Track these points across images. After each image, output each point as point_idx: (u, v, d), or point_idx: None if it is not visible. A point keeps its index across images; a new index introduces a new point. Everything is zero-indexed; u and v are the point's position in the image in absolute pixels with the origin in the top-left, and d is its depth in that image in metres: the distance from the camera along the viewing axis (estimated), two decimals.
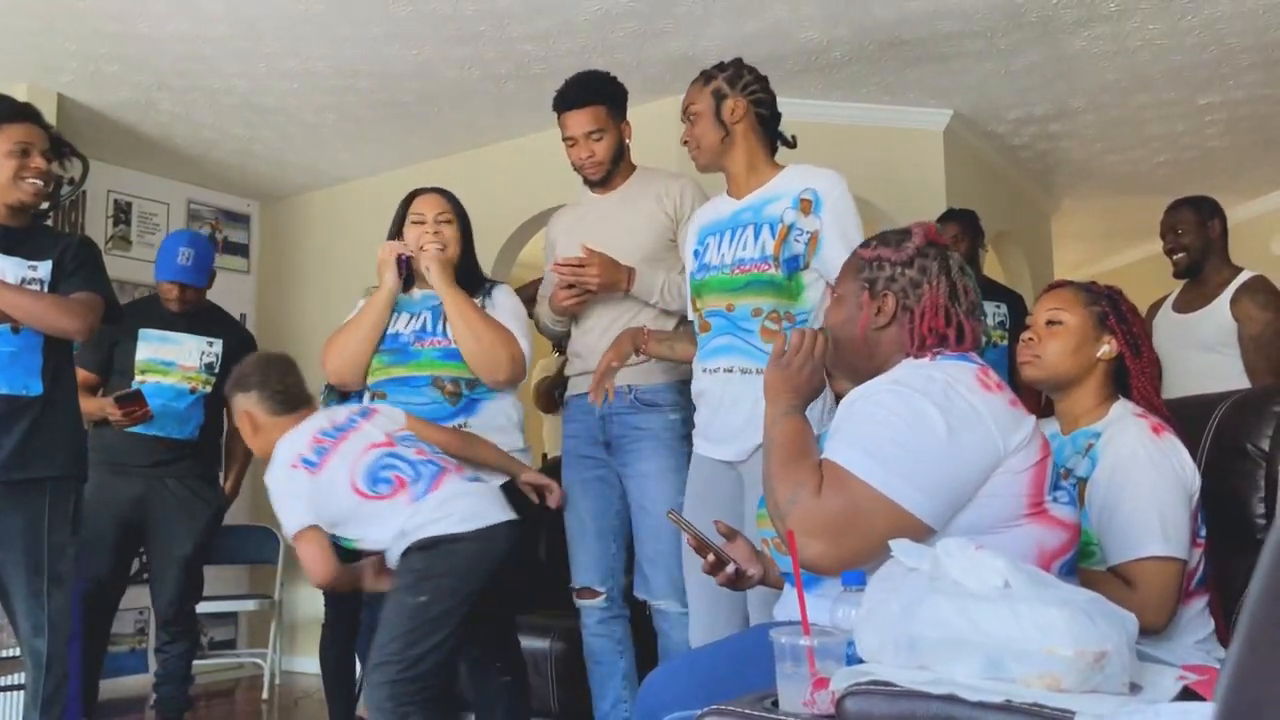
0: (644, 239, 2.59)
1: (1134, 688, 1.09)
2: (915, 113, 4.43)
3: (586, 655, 2.64)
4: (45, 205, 2.64)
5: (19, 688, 2.85)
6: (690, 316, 2.39)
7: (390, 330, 2.48)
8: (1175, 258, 3.38)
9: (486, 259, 4.54)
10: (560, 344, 3.45)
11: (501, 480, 2.44)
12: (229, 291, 5.23)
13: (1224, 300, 3.25)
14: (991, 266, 5.01)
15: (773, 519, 1.45)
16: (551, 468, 3.49)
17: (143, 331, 3.30)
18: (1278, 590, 0.39)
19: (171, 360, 3.33)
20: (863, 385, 1.49)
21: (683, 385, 2.49)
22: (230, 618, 5.19)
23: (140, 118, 4.42)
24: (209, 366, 3.36)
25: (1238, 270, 3.31)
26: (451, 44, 3.76)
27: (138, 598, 4.26)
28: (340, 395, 2.90)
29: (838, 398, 1.94)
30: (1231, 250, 3.41)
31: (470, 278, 2.55)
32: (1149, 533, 1.61)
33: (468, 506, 2.10)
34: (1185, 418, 1.84)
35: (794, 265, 2.17)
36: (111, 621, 3.34)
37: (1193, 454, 1.74)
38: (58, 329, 2.42)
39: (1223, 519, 1.76)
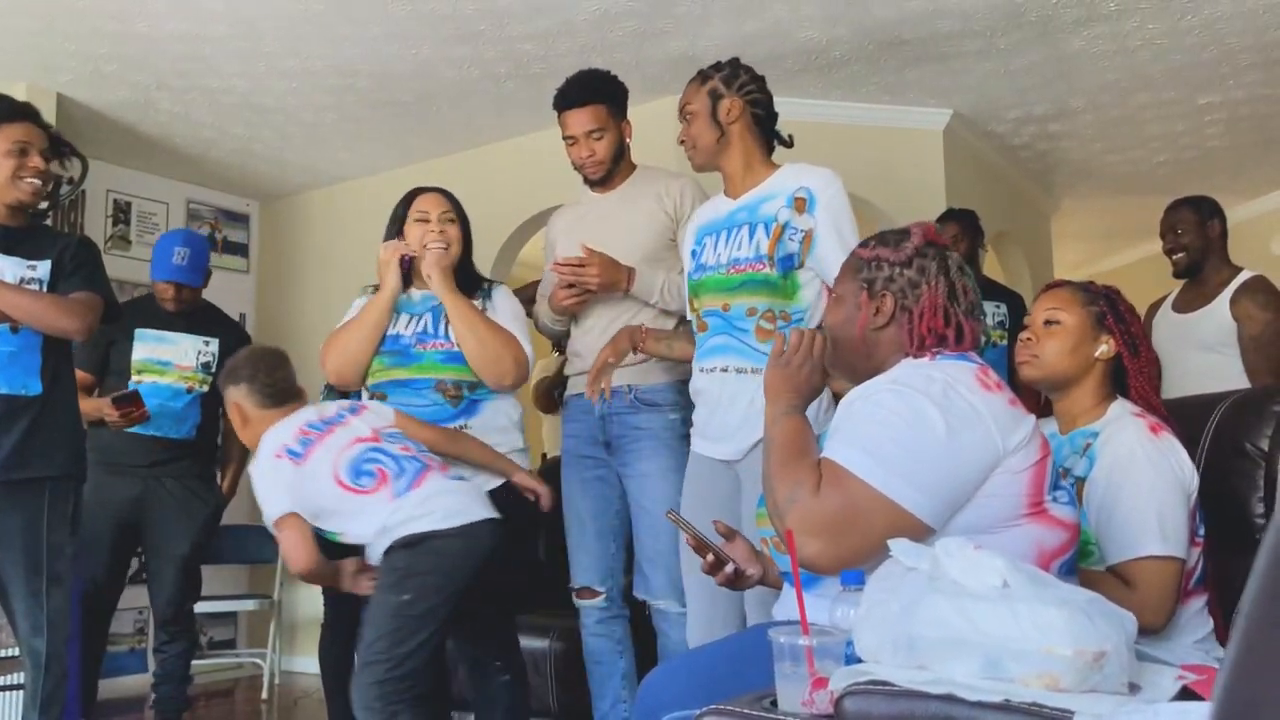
0: (644, 238, 2.58)
1: (1133, 687, 1.09)
2: (915, 112, 4.43)
3: (586, 655, 2.64)
4: (44, 205, 2.64)
5: (18, 687, 2.85)
6: (689, 316, 2.39)
7: (390, 331, 2.46)
8: (1175, 258, 3.38)
9: (486, 259, 4.55)
10: (560, 343, 3.45)
11: (496, 482, 2.44)
12: (228, 291, 5.24)
13: (1224, 300, 3.25)
14: (991, 266, 5.01)
15: (772, 518, 1.45)
16: (551, 467, 3.50)
17: (139, 331, 3.30)
18: (1274, 590, 0.39)
19: (168, 360, 3.32)
20: (862, 385, 1.49)
21: (682, 385, 2.49)
22: (230, 617, 5.19)
23: (140, 117, 4.42)
24: (205, 366, 3.36)
25: (1237, 270, 3.31)
26: (451, 43, 3.76)
27: (137, 598, 4.26)
28: (339, 395, 2.89)
29: (836, 398, 1.95)
30: (1231, 250, 3.40)
31: (469, 278, 2.55)
32: (1147, 532, 1.61)
33: (450, 504, 2.11)
34: (1185, 417, 1.84)
35: (789, 264, 2.17)
36: (110, 621, 3.34)
37: (1192, 454, 1.74)
38: (56, 329, 2.42)
39: (1222, 519, 1.76)
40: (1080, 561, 1.58)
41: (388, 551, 2.09)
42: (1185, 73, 4.10)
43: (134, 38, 3.70)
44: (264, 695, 4.62)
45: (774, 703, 1.18)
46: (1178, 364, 3.31)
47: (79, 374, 3.03)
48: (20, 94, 3.24)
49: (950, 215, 3.82)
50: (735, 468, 2.22)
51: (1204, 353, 3.24)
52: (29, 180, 2.47)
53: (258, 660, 4.85)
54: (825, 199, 2.18)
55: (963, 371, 1.42)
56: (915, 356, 1.49)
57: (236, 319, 5.19)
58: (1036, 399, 1.96)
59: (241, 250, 5.55)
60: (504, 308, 2.55)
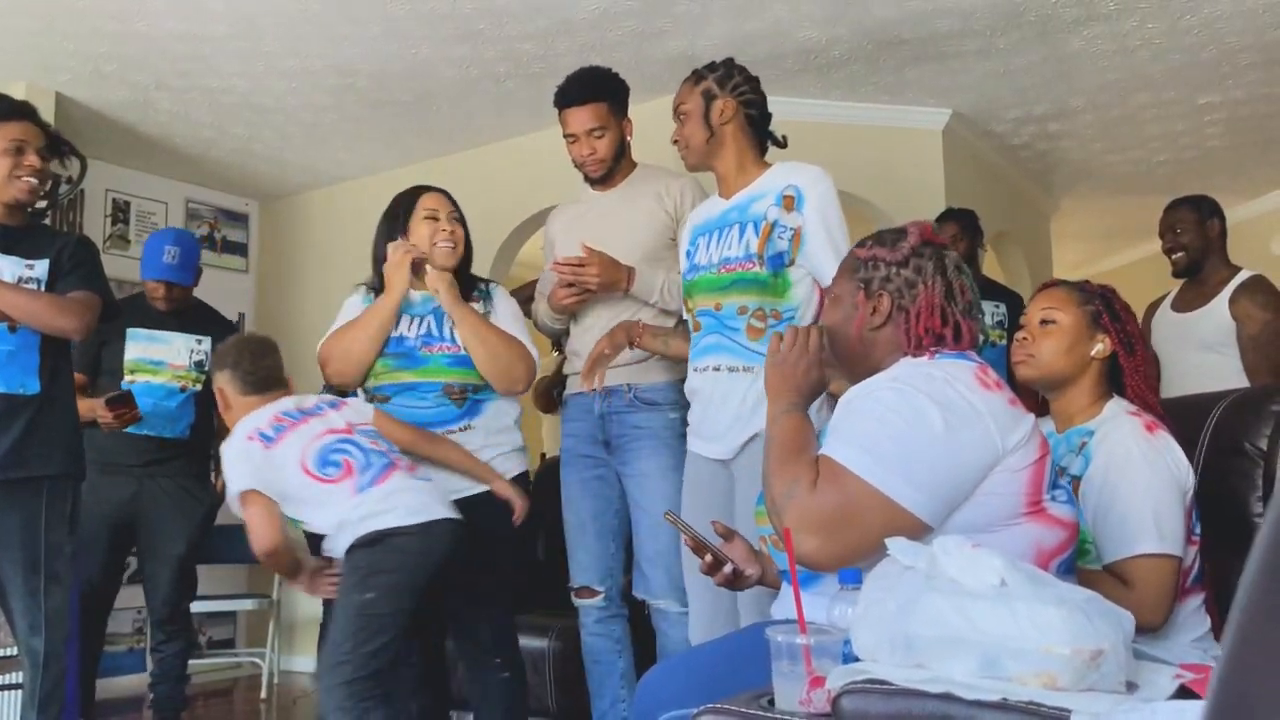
0: (644, 237, 2.58)
1: (1130, 686, 1.08)
2: (914, 112, 4.43)
3: (585, 654, 2.64)
4: (43, 204, 2.64)
5: (16, 687, 2.84)
6: (685, 316, 2.40)
7: (393, 333, 2.44)
8: (1174, 257, 3.38)
9: (485, 258, 4.55)
10: (559, 342, 3.45)
11: (477, 489, 2.43)
12: (228, 291, 5.24)
13: (1223, 300, 3.25)
14: (991, 266, 5.01)
15: (770, 515, 1.45)
16: (550, 467, 3.50)
17: (131, 331, 3.29)
18: (1269, 584, 0.39)
19: (161, 359, 3.32)
20: (861, 383, 1.49)
21: (682, 384, 2.48)
22: (229, 617, 5.19)
23: (139, 117, 4.41)
24: (199, 365, 3.35)
25: (1237, 270, 3.31)
26: (450, 43, 3.76)
27: (136, 597, 4.25)
28: (339, 395, 2.89)
29: (832, 399, 1.94)
30: (1231, 250, 3.40)
31: (467, 279, 2.54)
32: (1143, 530, 1.61)
33: (411, 501, 2.13)
34: (1183, 417, 1.84)
35: (779, 262, 2.17)
36: (107, 621, 3.34)
37: (1191, 453, 1.74)
38: (55, 328, 2.42)
39: (1220, 518, 1.76)
40: (1077, 560, 1.58)
41: (349, 551, 2.11)
42: (1185, 72, 4.10)
43: (133, 37, 3.70)
44: (263, 695, 4.62)
45: (771, 701, 1.18)
46: (1177, 363, 3.32)
47: None
48: (19, 93, 3.24)
49: (949, 215, 3.82)
50: (729, 466, 2.22)
51: (1203, 352, 3.24)
52: (25, 179, 2.47)
53: (257, 660, 4.85)
54: (814, 197, 2.18)
55: (962, 370, 1.42)
56: (914, 356, 1.49)
57: (236, 319, 5.21)
58: (1035, 398, 1.96)
59: (241, 250, 5.55)
60: (504, 310, 2.54)
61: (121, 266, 4.69)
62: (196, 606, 3.52)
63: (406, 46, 3.78)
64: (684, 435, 2.45)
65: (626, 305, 2.56)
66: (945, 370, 1.42)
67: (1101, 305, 1.79)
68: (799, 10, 3.54)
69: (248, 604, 5.00)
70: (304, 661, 4.90)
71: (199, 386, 3.34)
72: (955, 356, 1.47)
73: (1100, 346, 1.78)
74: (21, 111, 2.52)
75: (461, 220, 2.53)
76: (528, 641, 2.85)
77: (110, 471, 3.21)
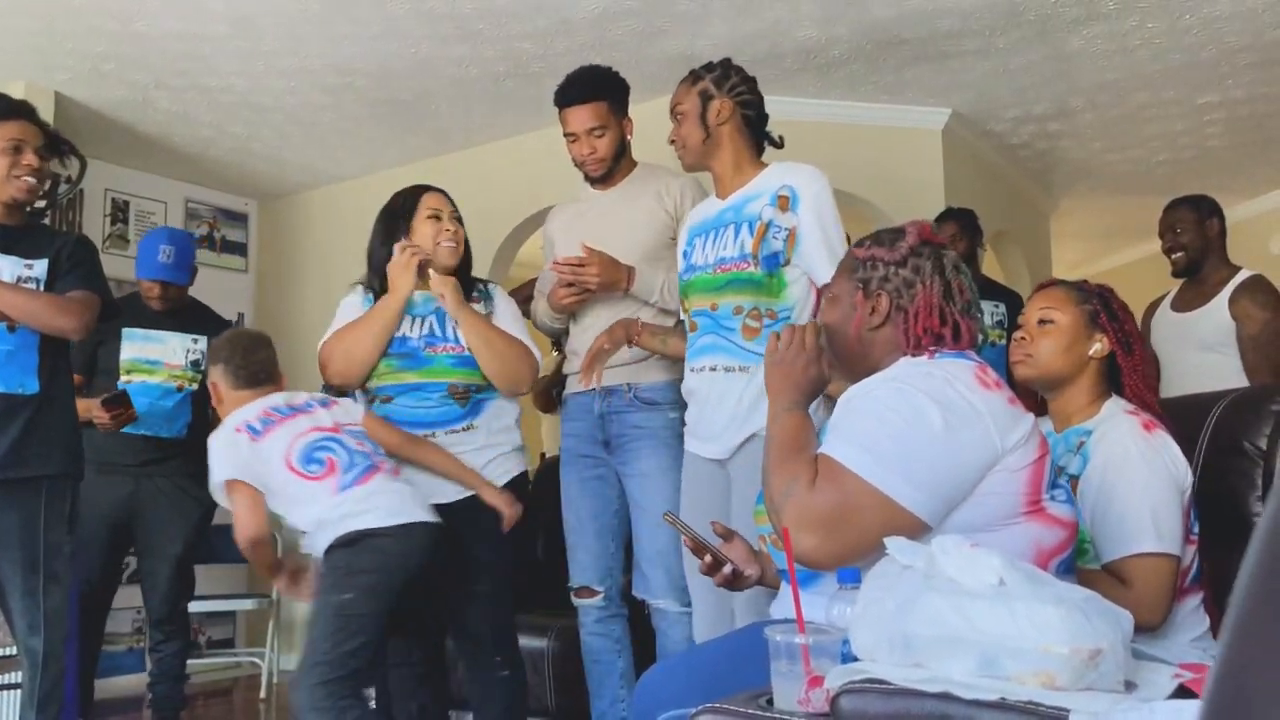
0: (644, 236, 2.58)
1: (1129, 685, 1.08)
2: (914, 112, 4.43)
3: (584, 654, 2.64)
4: (43, 204, 2.64)
5: (15, 686, 2.84)
6: (682, 317, 2.40)
7: (396, 334, 2.43)
8: (1174, 257, 3.37)
9: (484, 258, 4.55)
10: (558, 341, 3.45)
11: (502, 481, 2.44)
12: (227, 291, 5.24)
13: (1222, 299, 3.25)
14: (990, 266, 5.01)
15: (769, 513, 1.45)
16: (550, 467, 3.49)
17: (126, 331, 3.28)
18: (1266, 581, 0.39)
19: (157, 359, 3.32)
20: (860, 382, 1.49)
21: (682, 383, 2.49)
22: (228, 617, 5.18)
23: (138, 116, 4.41)
24: (195, 364, 3.35)
25: (1236, 269, 3.31)
26: (449, 42, 3.76)
27: (135, 597, 4.24)
28: (337, 395, 2.88)
29: (828, 399, 1.94)
30: (1230, 249, 3.40)
31: (467, 279, 2.54)
32: (1141, 529, 1.61)
33: (389, 503, 2.15)
34: (1183, 416, 1.83)
35: (774, 262, 2.17)
36: (105, 621, 3.34)
37: (1190, 453, 1.74)
38: (53, 328, 2.42)
39: (1220, 518, 1.76)
40: (1076, 560, 1.58)
41: (328, 551, 2.13)
42: (1184, 72, 4.10)
43: (132, 37, 3.69)
44: (262, 694, 4.62)
45: (770, 701, 1.18)
46: (1176, 363, 3.32)
47: None
48: (19, 93, 3.24)
49: (949, 214, 3.82)
50: (725, 466, 2.22)
51: (1203, 352, 3.24)
52: (24, 178, 2.46)
53: (256, 659, 4.85)
54: (808, 196, 2.19)
55: (961, 370, 1.42)
56: (913, 355, 1.49)
57: (235, 319, 5.21)
58: (1035, 398, 1.96)
59: (240, 250, 5.55)
60: (505, 311, 2.55)
61: (121, 266, 4.68)
62: (196, 606, 3.51)
63: (406, 46, 3.78)
64: (684, 435, 2.45)
65: (626, 305, 2.56)
66: (945, 370, 1.42)
67: (1099, 305, 1.79)
68: (798, 10, 3.54)
69: (247, 604, 5.00)
70: None
71: (195, 386, 3.33)
72: (954, 356, 1.47)
73: (1098, 346, 1.78)
74: (20, 111, 2.52)
75: (460, 220, 2.53)
76: (527, 641, 2.85)
77: (107, 471, 3.21)
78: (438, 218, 2.46)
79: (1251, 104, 4.46)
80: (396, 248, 2.41)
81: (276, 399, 2.29)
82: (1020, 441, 1.37)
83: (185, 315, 3.42)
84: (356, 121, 4.50)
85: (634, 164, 2.69)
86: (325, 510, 2.13)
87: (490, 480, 2.43)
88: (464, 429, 2.42)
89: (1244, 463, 1.79)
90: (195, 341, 3.38)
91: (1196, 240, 3.32)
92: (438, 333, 2.43)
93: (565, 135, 2.61)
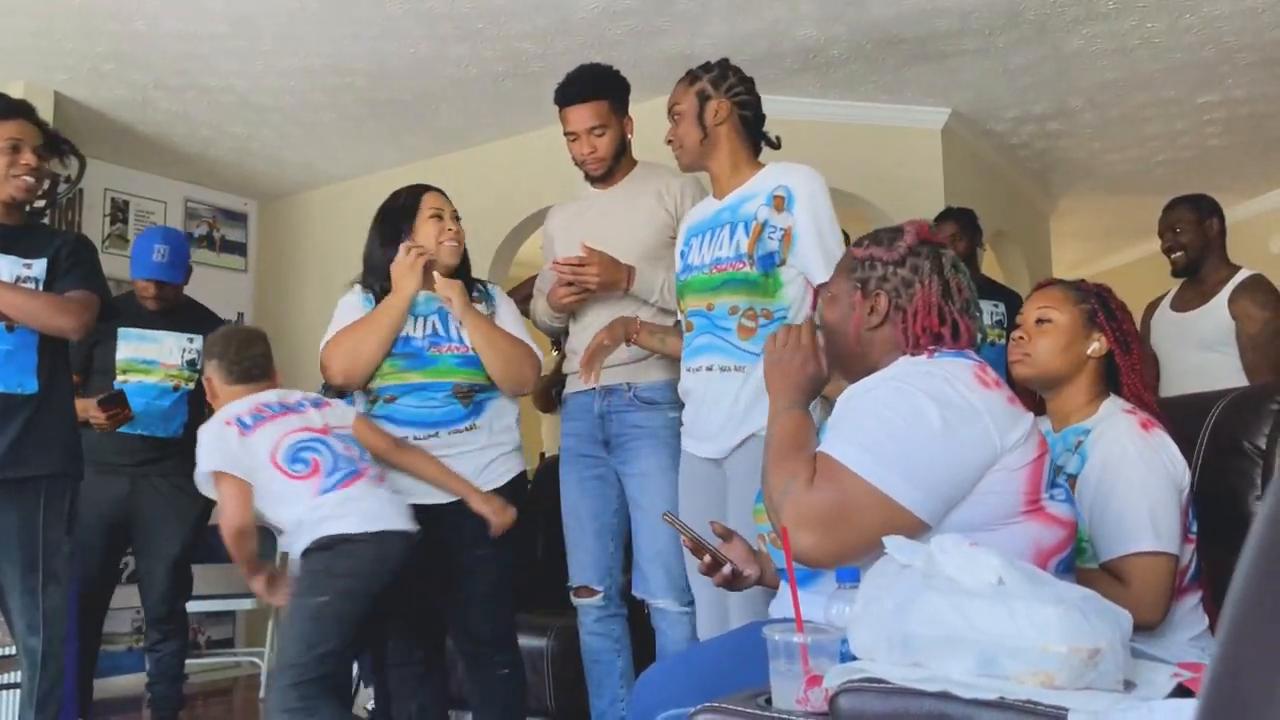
0: (644, 235, 2.58)
1: (1128, 685, 1.08)
2: (913, 111, 4.43)
3: (584, 654, 2.64)
4: (42, 203, 2.63)
5: (14, 686, 2.84)
6: (679, 317, 2.40)
7: (400, 334, 2.42)
8: (1173, 256, 3.37)
9: (484, 257, 4.55)
10: (557, 341, 3.44)
11: (504, 480, 2.45)
12: (227, 290, 5.24)
13: (1222, 299, 3.24)
14: (990, 265, 5.01)
15: (768, 512, 1.45)
16: (550, 466, 3.49)
17: (122, 331, 3.27)
18: (1262, 581, 0.39)
19: (153, 359, 3.31)
20: (860, 382, 1.49)
21: None
22: (227, 616, 5.18)
23: (137, 116, 4.41)
24: (191, 364, 3.34)
25: (1236, 269, 3.31)
26: (449, 42, 3.76)
27: (135, 597, 4.24)
28: (337, 395, 2.88)
29: (825, 400, 1.94)
30: (1230, 249, 3.40)
31: (467, 279, 2.54)
32: (1139, 528, 1.61)
33: (368, 508, 2.16)
34: (1182, 416, 1.83)
35: (769, 262, 2.17)
36: (103, 620, 3.33)
37: (1189, 452, 1.74)
38: (52, 327, 2.42)
39: (1219, 517, 1.75)
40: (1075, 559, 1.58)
41: (305, 554, 2.14)
42: (1184, 72, 4.10)
43: (132, 36, 3.69)
44: (261, 694, 4.61)
45: (769, 700, 1.18)
46: (1176, 363, 3.32)
47: None
48: (18, 92, 3.24)
49: (948, 214, 3.82)
50: (722, 466, 2.22)
51: (1202, 351, 3.24)
52: (22, 177, 2.46)
53: (255, 659, 4.85)
54: (804, 196, 2.19)
55: (961, 369, 1.42)
56: (912, 355, 1.49)
57: (235, 318, 5.21)
58: (1034, 397, 1.96)
59: (240, 249, 5.54)
60: (506, 312, 2.56)
61: (120, 266, 4.66)
62: (195, 606, 3.51)
63: (405, 45, 3.78)
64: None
65: (626, 304, 2.55)
66: (944, 369, 1.42)
67: (1097, 304, 1.79)
68: (798, 9, 3.54)
69: (246, 603, 4.99)
70: None
71: (192, 385, 3.33)
72: (954, 355, 1.47)
73: (1096, 345, 1.78)
74: (18, 110, 2.51)
75: (459, 219, 2.53)
76: (527, 641, 2.85)
77: (104, 471, 3.20)
78: (440, 217, 2.46)
79: (1251, 104, 4.46)
80: (402, 248, 2.40)
81: (269, 396, 2.31)
82: (1019, 440, 1.37)
83: (181, 314, 3.41)
84: (356, 121, 4.50)
85: (634, 163, 2.69)
86: (305, 511, 2.15)
87: (492, 480, 2.43)
88: (467, 429, 2.42)
89: (1243, 462, 1.79)
90: (191, 341, 3.37)
91: (1196, 240, 3.32)
92: (441, 333, 2.43)
93: (565, 134, 2.61)
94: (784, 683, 1.16)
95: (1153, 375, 3.28)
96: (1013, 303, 3.85)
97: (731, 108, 2.29)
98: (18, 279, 2.43)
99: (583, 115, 2.56)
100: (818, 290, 2.14)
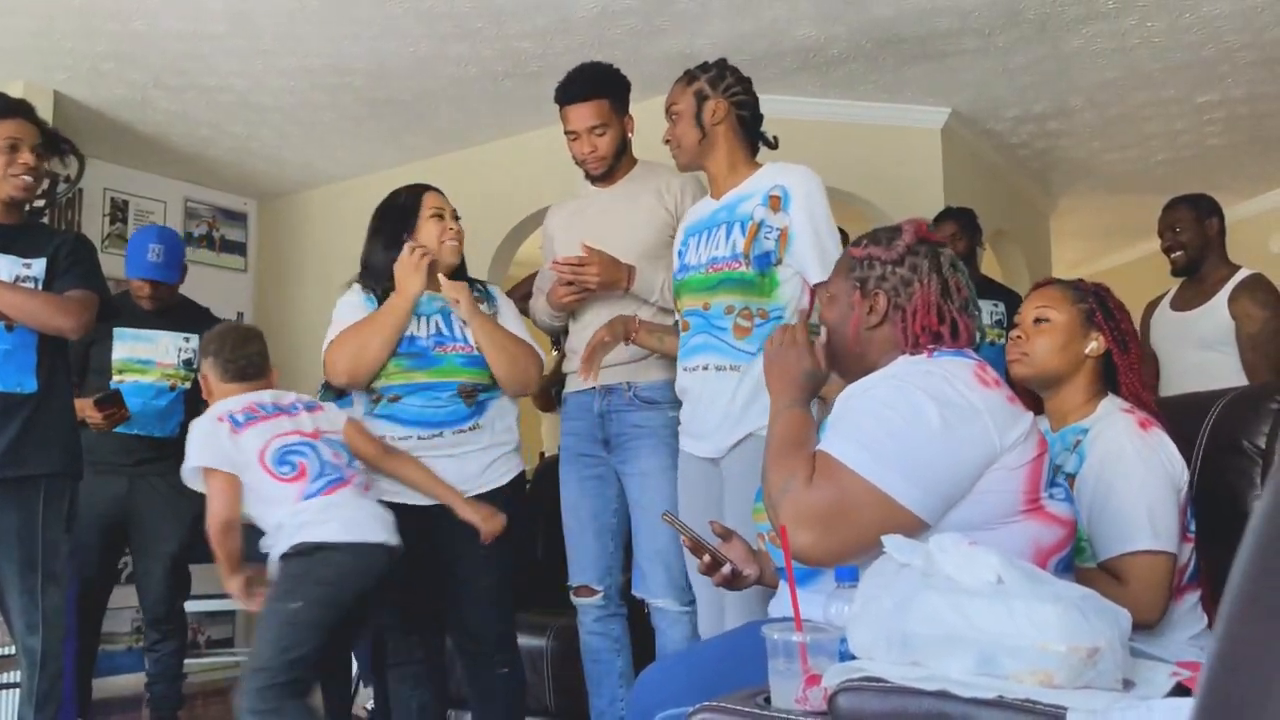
0: (644, 235, 2.57)
1: (1127, 684, 1.08)
2: (913, 111, 4.42)
3: (583, 653, 2.64)
4: (41, 202, 2.63)
5: (14, 686, 2.84)
6: (676, 316, 2.40)
7: (404, 333, 2.42)
8: (1173, 256, 3.37)
9: (484, 257, 4.55)
10: (557, 340, 3.44)
11: (506, 479, 2.45)
12: (226, 290, 5.24)
13: (1222, 298, 3.24)
14: (989, 265, 5.01)
15: (767, 510, 1.45)
16: (550, 466, 3.49)
17: (118, 330, 3.27)
18: (1258, 580, 0.39)
19: (149, 359, 3.31)
20: (859, 381, 1.49)
21: None
22: (227, 616, 5.18)
23: (137, 115, 4.41)
24: (187, 363, 3.34)
25: (1236, 268, 3.31)
26: (448, 41, 3.75)
27: (134, 596, 4.25)
28: (337, 395, 2.88)
29: (823, 402, 1.94)
30: (1230, 248, 3.40)
31: (465, 279, 2.54)
32: (1138, 527, 1.61)
33: (349, 517, 2.17)
34: (1182, 415, 1.83)
35: (765, 262, 2.17)
36: (102, 620, 3.33)
37: (1189, 451, 1.74)
38: (51, 327, 2.42)
39: (1219, 516, 1.75)
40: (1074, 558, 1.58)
41: (283, 558, 2.15)
42: (1184, 71, 4.10)
43: (131, 36, 3.69)
44: None
45: (768, 699, 1.18)
46: (1176, 362, 3.32)
47: None
48: (17, 92, 3.23)
49: (948, 214, 3.82)
50: (719, 465, 2.23)
51: (1202, 351, 3.24)
52: (21, 177, 2.46)
53: None
54: (800, 196, 2.19)
55: (960, 368, 1.42)
56: (912, 354, 1.49)
57: (234, 318, 5.21)
58: (1033, 396, 1.96)
59: (239, 249, 5.54)
60: (508, 312, 2.56)
61: (119, 266, 4.66)
62: (194, 606, 3.50)
63: (405, 45, 3.78)
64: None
65: (626, 303, 2.55)
66: (944, 368, 1.42)
67: (1095, 303, 1.79)
68: (797, 9, 3.54)
69: None
70: None
71: (188, 385, 3.32)
72: (953, 354, 1.47)
73: (1094, 344, 1.78)
74: (16, 109, 2.51)
75: (458, 218, 2.54)
76: (526, 640, 2.85)
77: (102, 471, 3.20)
78: (441, 217, 2.47)
79: (1251, 103, 4.46)
80: (406, 247, 2.40)
81: (264, 396, 2.32)
82: (1019, 439, 1.37)
83: (176, 314, 3.41)
84: (356, 121, 4.50)
85: (634, 162, 2.68)
86: (286, 515, 2.16)
87: (494, 480, 2.44)
88: (470, 428, 2.42)
89: (1243, 461, 1.79)
90: (187, 340, 3.36)
91: (1196, 239, 3.32)
92: (445, 332, 2.43)
93: (566, 133, 2.60)
94: (783, 682, 1.16)
95: (1151, 374, 3.28)
96: (1012, 302, 3.85)
97: (729, 108, 2.29)
98: (17, 278, 2.43)
99: (583, 114, 2.55)
100: (814, 290, 2.14)
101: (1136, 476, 1.63)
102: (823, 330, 1.61)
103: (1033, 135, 4.84)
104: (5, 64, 3.90)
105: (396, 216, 2.48)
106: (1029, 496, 1.37)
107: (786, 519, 1.35)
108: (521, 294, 3.18)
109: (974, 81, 4.19)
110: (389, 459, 2.36)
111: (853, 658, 1.15)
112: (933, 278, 1.51)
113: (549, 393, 4.71)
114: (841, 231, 2.37)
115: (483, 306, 2.49)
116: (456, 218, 2.51)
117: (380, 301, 2.44)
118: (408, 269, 2.38)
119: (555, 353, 4.51)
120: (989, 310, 3.73)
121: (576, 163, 2.65)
